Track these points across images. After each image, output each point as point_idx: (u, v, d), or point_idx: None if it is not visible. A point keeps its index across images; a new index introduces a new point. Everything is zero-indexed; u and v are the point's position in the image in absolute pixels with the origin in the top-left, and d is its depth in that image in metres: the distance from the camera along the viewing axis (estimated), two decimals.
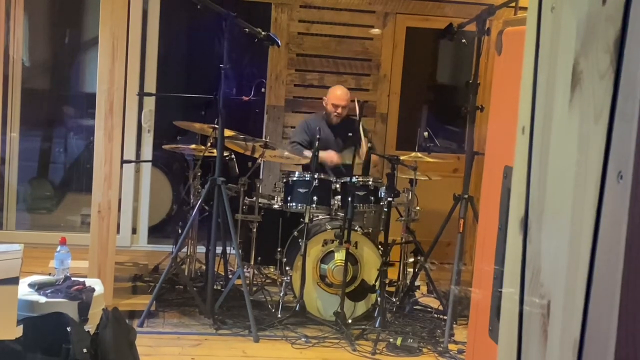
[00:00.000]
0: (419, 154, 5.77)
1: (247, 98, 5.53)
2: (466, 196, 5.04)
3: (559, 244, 0.98)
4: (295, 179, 5.46)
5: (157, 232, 7.22)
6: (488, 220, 1.86)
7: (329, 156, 5.89)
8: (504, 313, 1.17)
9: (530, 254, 1.06)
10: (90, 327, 3.50)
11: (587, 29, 0.95)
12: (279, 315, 5.17)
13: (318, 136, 5.33)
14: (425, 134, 5.86)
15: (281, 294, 5.30)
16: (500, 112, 1.80)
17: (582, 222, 0.93)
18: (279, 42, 5.30)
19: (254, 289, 5.64)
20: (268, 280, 5.95)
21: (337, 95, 5.96)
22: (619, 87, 0.87)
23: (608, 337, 0.86)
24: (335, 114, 5.92)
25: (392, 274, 5.76)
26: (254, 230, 5.45)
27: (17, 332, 3.10)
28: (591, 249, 0.90)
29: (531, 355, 1.06)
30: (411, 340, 4.87)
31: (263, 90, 6.82)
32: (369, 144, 5.71)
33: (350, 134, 5.87)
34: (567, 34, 1.00)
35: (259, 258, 5.57)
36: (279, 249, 5.50)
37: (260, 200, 5.49)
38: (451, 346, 4.88)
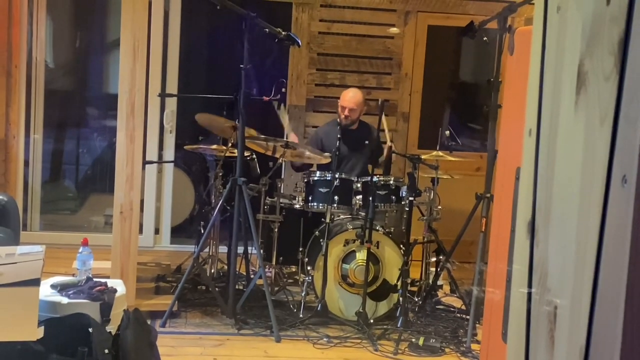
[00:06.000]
0: (440, 153, 5.73)
1: (267, 98, 5.52)
2: (488, 195, 4.99)
3: (565, 249, 0.97)
4: (316, 178, 5.45)
5: (179, 232, 7.24)
6: (501, 221, 1.84)
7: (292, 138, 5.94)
8: (513, 317, 1.15)
9: (538, 258, 1.05)
10: (112, 327, 3.50)
11: (592, 30, 0.93)
12: (301, 315, 5.17)
13: (339, 136, 5.30)
14: (447, 132, 5.82)
15: (303, 294, 5.30)
16: (513, 112, 1.77)
17: (588, 227, 0.91)
18: (300, 41, 5.30)
19: (276, 289, 5.64)
20: (290, 280, 5.94)
21: (344, 98, 5.92)
22: (623, 89, 0.86)
23: (613, 345, 0.84)
24: (343, 116, 5.88)
25: (415, 273, 5.74)
26: (276, 230, 5.46)
27: (39, 333, 3.11)
28: (596, 255, 0.89)
29: None
30: (433, 340, 4.84)
31: (284, 90, 6.81)
32: (390, 144, 5.70)
33: (367, 142, 5.84)
34: (573, 35, 0.98)
35: (281, 258, 5.58)
36: (300, 249, 5.50)
37: (281, 200, 5.49)
38: (474, 346, 4.84)
